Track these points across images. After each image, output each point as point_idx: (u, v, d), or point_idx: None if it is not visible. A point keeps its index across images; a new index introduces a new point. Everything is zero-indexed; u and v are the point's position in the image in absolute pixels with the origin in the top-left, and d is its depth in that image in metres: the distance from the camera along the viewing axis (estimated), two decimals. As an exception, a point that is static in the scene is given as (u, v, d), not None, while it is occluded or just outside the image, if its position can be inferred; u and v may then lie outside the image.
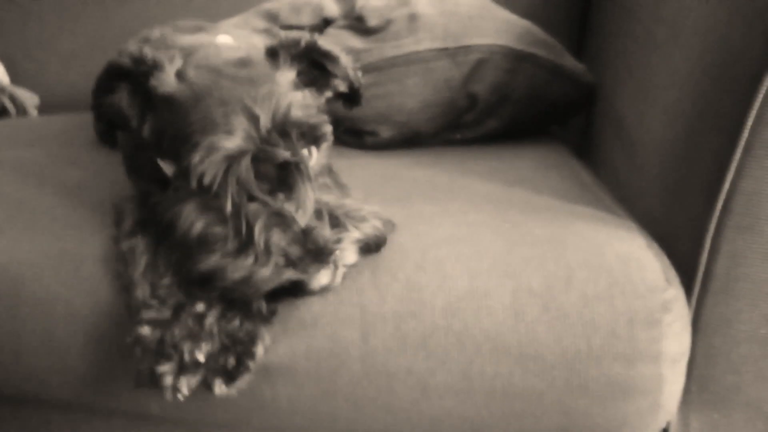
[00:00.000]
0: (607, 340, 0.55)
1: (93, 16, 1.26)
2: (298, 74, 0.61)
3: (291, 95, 0.56)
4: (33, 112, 1.22)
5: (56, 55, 1.27)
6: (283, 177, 0.53)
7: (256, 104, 0.53)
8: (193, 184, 0.52)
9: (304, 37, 0.63)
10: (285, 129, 0.53)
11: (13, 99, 1.20)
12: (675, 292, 0.57)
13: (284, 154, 0.52)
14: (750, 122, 0.55)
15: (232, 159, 0.51)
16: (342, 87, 0.68)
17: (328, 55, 0.65)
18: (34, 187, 0.75)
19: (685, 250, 0.62)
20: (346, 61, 0.67)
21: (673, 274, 0.58)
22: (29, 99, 1.22)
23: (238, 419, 0.62)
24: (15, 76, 1.25)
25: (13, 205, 0.70)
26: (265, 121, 0.53)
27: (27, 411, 0.70)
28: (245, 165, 0.51)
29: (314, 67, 0.65)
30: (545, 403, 0.57)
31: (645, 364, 0.55)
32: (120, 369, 0.60)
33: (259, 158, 0.52)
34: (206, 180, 0.51)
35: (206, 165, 0.51)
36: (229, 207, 0.52)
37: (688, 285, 0.61)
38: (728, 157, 0.57)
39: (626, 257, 0.58)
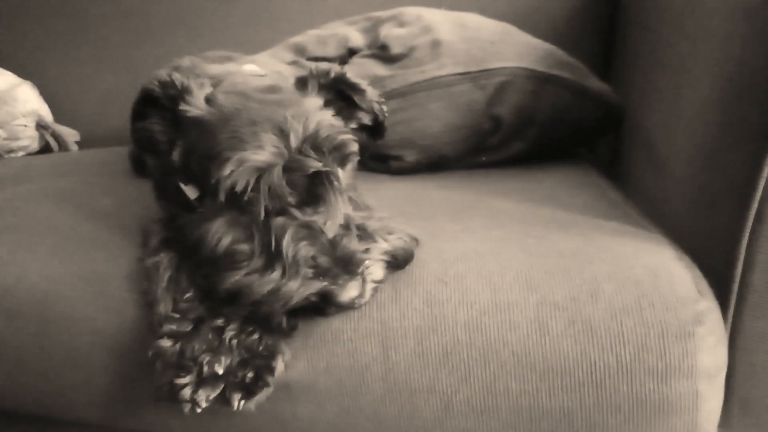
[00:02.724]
0: (637, 355, 0.53)
1: (129, 58, 1.32)
2: (325, 104, 0.63)
3: (320, 114, 0.57)
4: (73, 147, 1.29)
5: (95, 95, 1.33)
6: (313, 189, 0.54)
7: (287, 122, 0.54)
8: (222, 197, 0.53)
9: (334, 68, 0.65)
10: (315, 144, 0.54)
11: (55, 135, 1.26)
12: (708, 304, 0.54)
13: (316, 164, 0.53)
14: (780, 129, 0.54)
15: (263, 170, 0.52)
16: (366, 119, 0.70)
17: (355, 87, 0.67)
18: (69, 213, 0.77)
19: (719, 263, 0.60)
20: (371, 94, 0.69)
21: (705, 285, 0.56)
22: (70, 135, 1.29)
23: (259, 439, 0.61)
24: (57, 114, 1.31)
25: (46, 228, 0.72)
26: (295, 137, 0.54)
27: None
28: (278, 173, 0.52)
29: (341, 98, 0.67)
30: (574, 421, 0.54)
31: (679, 379, 0.52)
32: (143, 387, 0.60)
33: (291, 168, 0.53)
34: (238, 188, 0.52)
35: (237, 175, 0.52)
36: (261, 215, 0.52)
37: (723, 299, 0.58)
38: (759, 165, 0.56)
39: (655, 269, 0.56)
